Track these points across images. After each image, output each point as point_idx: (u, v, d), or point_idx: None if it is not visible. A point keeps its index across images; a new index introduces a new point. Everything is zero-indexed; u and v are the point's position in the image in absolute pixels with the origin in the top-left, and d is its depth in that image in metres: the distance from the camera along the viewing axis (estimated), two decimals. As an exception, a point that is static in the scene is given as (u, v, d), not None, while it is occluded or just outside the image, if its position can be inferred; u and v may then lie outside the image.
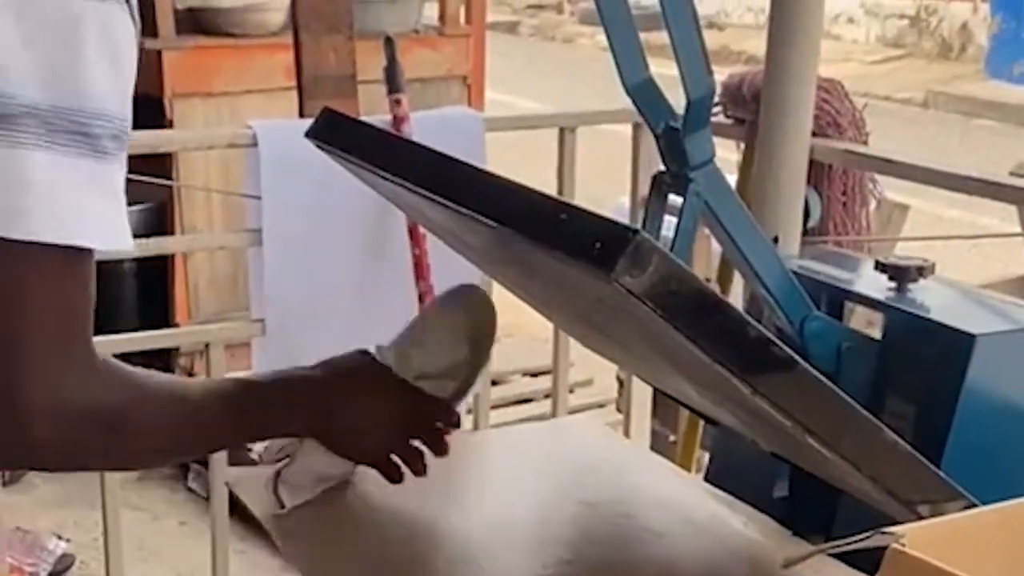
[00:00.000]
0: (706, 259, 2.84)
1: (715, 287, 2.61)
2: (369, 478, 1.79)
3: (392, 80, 2.55)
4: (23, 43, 0.96)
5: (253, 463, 3.26)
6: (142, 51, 3.53)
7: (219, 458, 2.50)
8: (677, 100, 1.61)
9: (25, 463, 1.11)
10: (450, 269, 2.46)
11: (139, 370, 1.14)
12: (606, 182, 4.36)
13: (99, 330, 2.36)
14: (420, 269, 2.56)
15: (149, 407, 1.12)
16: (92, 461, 1.14)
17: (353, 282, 2.55)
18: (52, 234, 0.97)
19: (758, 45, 2.53)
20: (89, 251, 1.00)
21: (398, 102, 2.55)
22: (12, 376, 0.99)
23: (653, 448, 2.93)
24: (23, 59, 0.96)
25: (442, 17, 4.88)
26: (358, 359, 1.44)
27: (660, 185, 1.69)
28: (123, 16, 1.02)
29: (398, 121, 2.54)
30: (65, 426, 1.02)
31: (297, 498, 1.59)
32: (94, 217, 0.99)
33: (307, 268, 2.49)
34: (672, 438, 2.99)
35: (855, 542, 1.11)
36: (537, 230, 1.19)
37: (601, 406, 4.26)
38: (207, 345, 2.51)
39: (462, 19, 4.91)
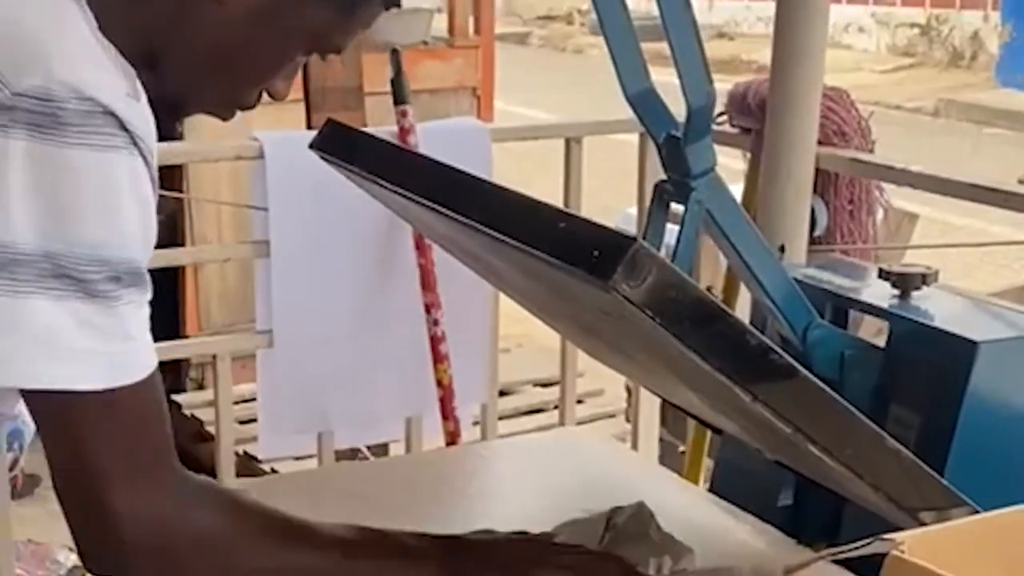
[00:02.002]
0: (713, 268, 2.84)
1: (719, 296, 2.61)
2: (371, 481, 1.80)
3: (398, 92, 2.56)
4: (23, 190, 1.00)
5: (261, 473, 3.27)
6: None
7: (226, 468, 2.51)
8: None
9: None
10: (456, 280, 2.48)
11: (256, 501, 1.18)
12: (616, 192, 4.37)
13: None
14: (426, 280, 2.57)
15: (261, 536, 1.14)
16: None
17: (360, 293, 2.56)
18: (48, 380, 1.02)
19: (769, 55, 2.53)
20: (125, 387, 1.04)
21: (404, 113, 2.56)
22: (100, 502, 1.06)
23: (662, 457, 2.94)
24: (19, 207, 1.00)
25: (451, 29, 4.89)
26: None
27: (662, 194, 1.70)
28: (131, 164, 1.04)
29: (404, 132, 2.55)
30: (162, 547, 1.08)
31: None
32: (82, 361, 1.03)
33: (314, 279, 2.50)
34: (681, 448, 2.99)
35: (855, 549, 1.11)
36: (537, 240, 1.19)
37: (611, 416, 4.25)
38: (214, 357, 2.52)
39: (471, 31, 4.92)
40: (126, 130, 1.03)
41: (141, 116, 1.06)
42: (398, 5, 1.24)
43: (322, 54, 1.22)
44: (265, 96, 1.23)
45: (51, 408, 1.05)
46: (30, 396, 1.05)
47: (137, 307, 1.06)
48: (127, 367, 1.05)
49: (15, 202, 1.00)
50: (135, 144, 1.04)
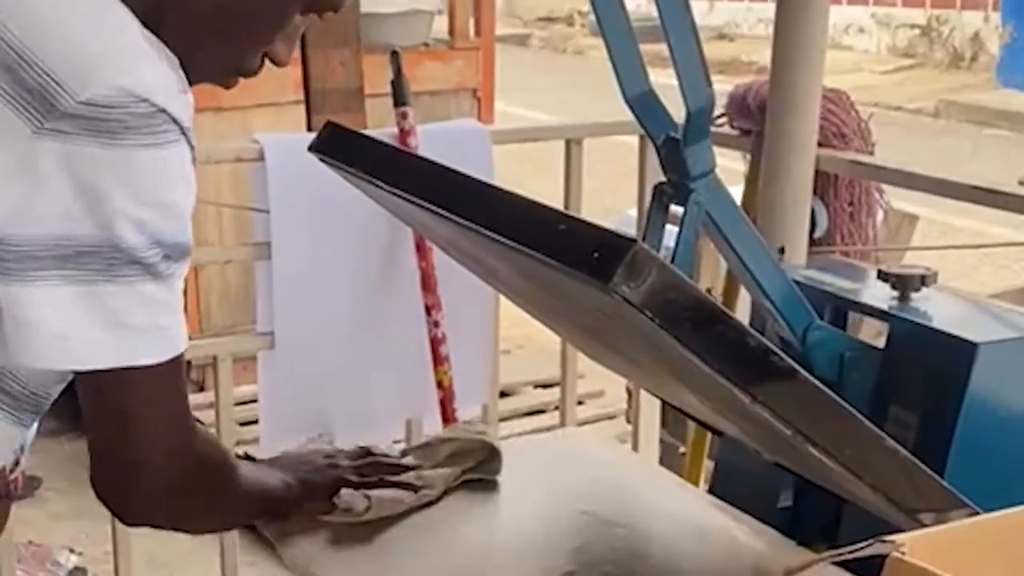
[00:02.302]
0: (714, 269, 2.85)
1: (719, 297, 2.61)
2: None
3: (398, 93, 2.56)
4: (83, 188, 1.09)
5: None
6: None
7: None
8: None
9: (153, 519, 1.27)
10: (457, 282, 2.48)
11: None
12: (617, 193, 4.37)
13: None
14: (427, 282, 2.57)
15: (229, 468, 1.33)
16: (197, 512, 1.32)
17: (360, 295, 2.56)
18: (112, 359, 1.13)
19: (769, 56, 2.53)
20: (177, 356, 1.17)
21: (404, 115, 2.56)
22: (149, 462, 1.19)
23: (662, 458, 2.94)
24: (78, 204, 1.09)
25: (452, 30, 4.90)
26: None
27: (661, 196, 1.70)
28: (181, 153, 1.13)
29: (404, 134, 2.55)
30: (183, 482, 1.21)
31: None
32: (150, 336, 1.14)
33: (315, 281, 2.50)
34: (681, 449, 2.99)
35: (855, 551, 1.11)
36: (536, 241, 1.19)
37: (612, 417, 4.26)
38: (215, 358, 2.52)
39: (471, 32, 4.93)
40: (176, 123, 1.11)
41: (188, 107, 1.14)
42: None
43: (320, 12, 1.27)
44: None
45: (106, 384, 1.14)
46: (84, 375, 1.14)
47: (181, 279, 1.16)
48: (177, 339, 1.16)
49: (75, 199, 1.08)
50: (184, 135, 1.13)
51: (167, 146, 1.11)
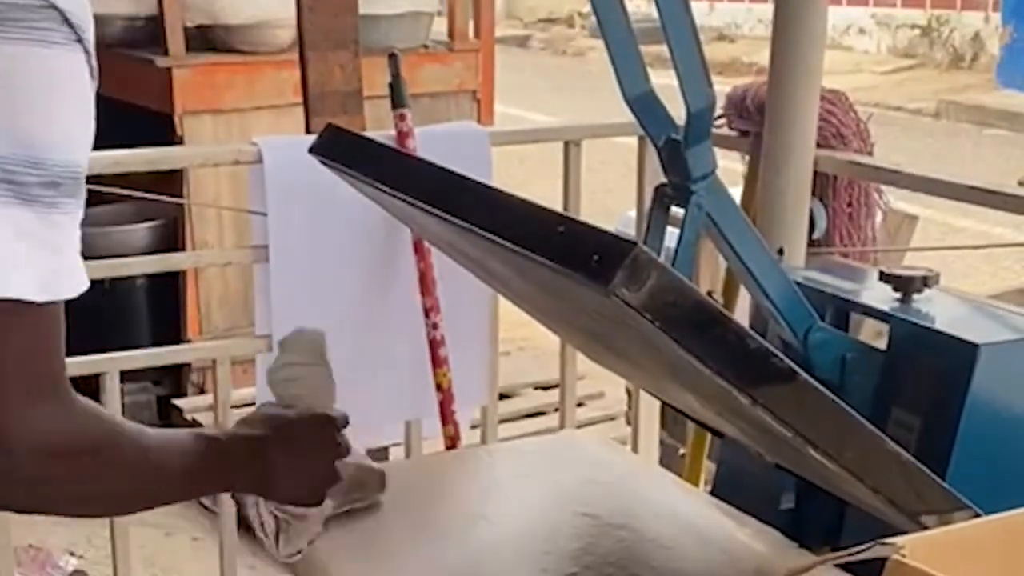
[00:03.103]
0: (714, 271, 2.84)
1: (719, 299, 2.61)
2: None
3: (396, 96, 2.56)
4: None
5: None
6: (153, 69, 3.52)
7: (227, 473, 2.50)
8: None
9: (4, 501, 1.08)
10: (456, 284, 2.47)
11: (113, 415, 1.16)
12: (618, 194, 4.37)
13: (109, 346, 2.35)
14: (425, 283, 2.57)
15: (119, 449, 1.11)
16: (63, 500, 1.10)
17: (359, 297, 2.56)
18: None
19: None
20: (31, 303, 0.98)
21: (403, 117, 2.56)
22: None
23: (662, 460, 2.93)
24: None
25: (451, 32, 4.89)
26: (280, 414, 1.34)
27: (662, 197, 1.69)
28: (71, 61, 0.99)
29: (403, 136, 2.55)
30: (44, 459, 1.03)
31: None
32: (18, 268, 0.96)
33: (313, 283, 2.49)
34: (681, 450, 2.98)
35: (855, 553, 1.11)
36: (536, 244, 1.19)
37: (612, 419, 4.25)
38: (214, 362, 2.52)
39: (471, 34, 4.92)
40: (69, 24, 0.98)
41: (85, 8, 1.00)
42: None
43: None
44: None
45: None
46: None
47: (72, 219, 1.00)
48: (50, 283, 0.99)
49: None
50: (78, 40, 0.99)
51: (53, 47, 0.96)
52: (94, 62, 1.02)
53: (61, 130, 0.98)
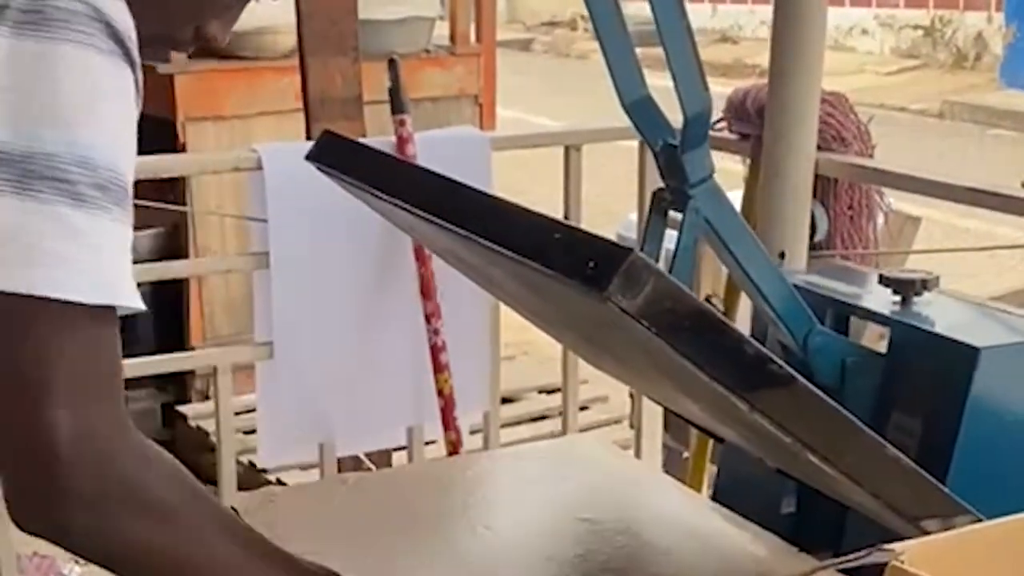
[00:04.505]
0: (714, 275, 2.84)
1: (720, 304, 2.60)
2: (373, 493, 1.80)
3: (396, 101, 2.56)
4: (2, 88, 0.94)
5: (266, 483, 3.27)
6: (154, 76, 3.52)
7: (228, 480, 2.50)
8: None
9: (60, 532, 0.97)
10: (457, 289, 2.47)
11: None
12: (620, 197, 4.36)
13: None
14: (426, 289, 2.57)
15: (199, 504, 1.03)
16: (130, 549, 0.98)
17: (360, 303, 2.55)
18: (11, 283, 0.93)
19: (772, 59, 2.52)
20: (99, 306, 0.95)
21: (402, 123, 2.56)
22: (39, 417, 0.94)
23: (665, 464, 2.93)
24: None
25: (453, 36, 4.90)
26: None
27: (660, 202, 1.69)
28: (118, 72, 0.99)
29: (403, 142, 2.55)
30: (99, 469, 0.95)
31: None
32: (66, 267, 0.94)
33: (314, 290, 2.49)
34: (685, 454, 2.98)
35: (854, 559, 1.10)
36: (533, 251, 1.19)
37: (617, 422, 4.26)
38: (215, 369, 2.52)
39: (472, 38, 4.93)
40: (118, 38, 0.98)
41: (127, 16, 1.00)
42: None
43: None
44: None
45: (7, 310, 0.93)
46: None
47: (124, 227, 0.98)
48: (106, 287, 0.96)
49: None
50: (127, 54, 0.99)
51: (101, 54, 0.96)
52: (140, 78, 1.02)
53: (107, 133, 0.97)
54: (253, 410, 3.42)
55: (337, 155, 1.62)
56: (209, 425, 3.98)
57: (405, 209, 1.42)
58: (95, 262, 0.96)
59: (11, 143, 0.94)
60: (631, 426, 3.47)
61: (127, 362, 2.67)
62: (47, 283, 0.93)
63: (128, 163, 1.00)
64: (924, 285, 1.73)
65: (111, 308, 0.97)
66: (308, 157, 1.63)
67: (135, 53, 1.01)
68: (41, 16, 0.95)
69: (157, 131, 4.21)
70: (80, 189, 0.95)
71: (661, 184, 1.71)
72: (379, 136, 2.62)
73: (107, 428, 0.97)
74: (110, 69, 0.98)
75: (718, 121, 2.70)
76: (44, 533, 0.96)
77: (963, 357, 1.58)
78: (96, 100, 0.97)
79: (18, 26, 0.95)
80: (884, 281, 1.76)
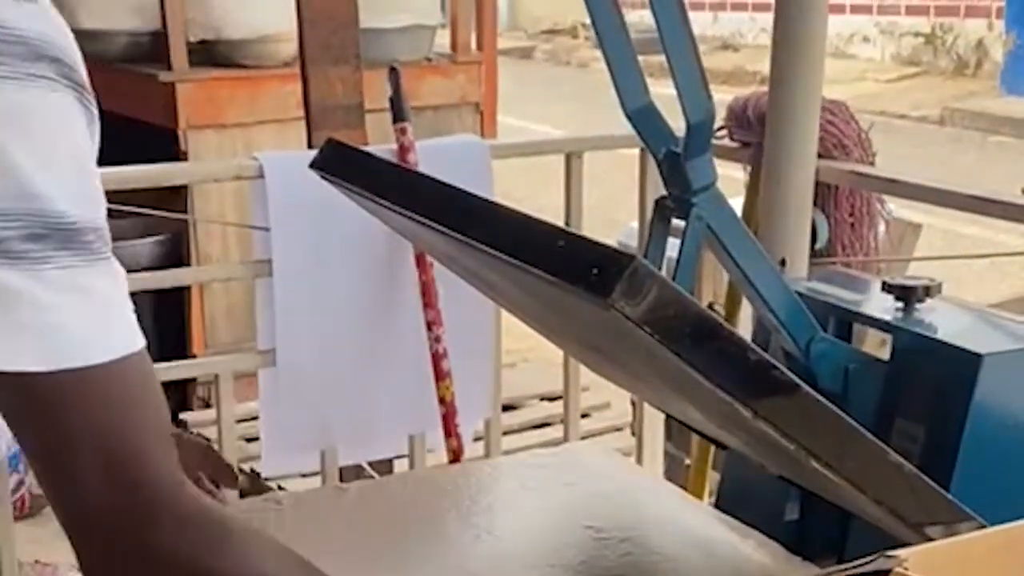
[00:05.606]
0: (715, 282, 2.84)
1: (722, 311, 2.60)
2: (375, 500, 1.80)
3: (397, 109, 2.56)
4: None
5: (266, 489, 3.26)
6: (156, 84, 3.54)
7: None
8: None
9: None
10: (458, 297, 2.47)
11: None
12: (622, 204, 4.36)
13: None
14: (428, 296, 2.57)
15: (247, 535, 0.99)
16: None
17: (361, 311, 2.56)
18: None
19: (773, 66, 2.53)
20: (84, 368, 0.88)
21: (403, 131, 2.56)
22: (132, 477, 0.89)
23: (667, 471, 2.93)
24: None
25: (454, 45, 4.90)
26: None
27: (663, 209, 1.69)
28: (58, 101, 0.88)
29: (403, 150, 2.55)
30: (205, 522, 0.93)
31: None
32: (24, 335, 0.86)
33: (316, 298, 2.50)
34: (686, 461, 2.98)
35: (857, 567, 1.10)
36: (535, 257, 1.19)
37: (619, 429, 4.25)
38: (216, 377, 2.52)
39: (473, 46, 4.93)
40: (53, 59, 0.86)
41: (65, 37, 0.89)
42: None
43: None
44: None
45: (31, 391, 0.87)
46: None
47: (71, 273, 0.87)
48: (122, 335, 0.92)
49: None
50: (66, 78, 0.87)
51: (55, 93, 0.86)
52: (92, 105, 0.91)
53: (89, 183, 0.89)
54: (254, 418, 3.43)
55: (341, 163, 1.62)
56: (210, 432, 3.98)
57: (409, 217, 1.42)
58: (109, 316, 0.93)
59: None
60: (633, 433, 3.47)
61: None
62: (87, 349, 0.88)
63: (82, 201, 0.89)
64: (927, 292, 1.73)
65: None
66: (313, 165, 1.64)
67: (79, 74, 0.90)
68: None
69: (159, 140, 4.21)
70: (10, 245, 0.85)
71: (662, 192, 1.72)
72: (380, 144, 2.62)
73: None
74: (47, 99, 0.86)
75: (719, 129, 2.71)
76: None
77: (966, 363, 1.59)
78: (70, 147, 0.88)
79: None
80: (887, 288, 1.76)
